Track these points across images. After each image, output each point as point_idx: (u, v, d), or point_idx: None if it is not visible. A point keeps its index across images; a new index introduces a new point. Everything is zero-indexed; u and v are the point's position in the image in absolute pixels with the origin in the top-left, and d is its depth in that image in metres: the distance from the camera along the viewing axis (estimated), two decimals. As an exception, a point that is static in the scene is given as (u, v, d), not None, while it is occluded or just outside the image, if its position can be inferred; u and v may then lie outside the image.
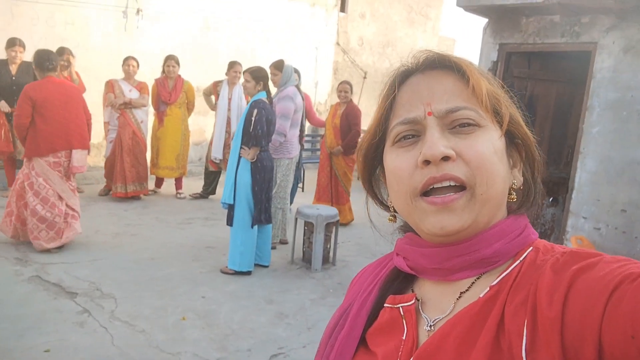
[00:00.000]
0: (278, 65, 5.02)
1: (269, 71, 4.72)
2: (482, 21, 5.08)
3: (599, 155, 4.33)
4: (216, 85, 6.62)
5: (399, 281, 0.73)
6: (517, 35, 4.79)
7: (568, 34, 4.46)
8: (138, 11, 7.54)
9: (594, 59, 4.33)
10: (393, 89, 0.69)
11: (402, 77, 0.70)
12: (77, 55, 6.33)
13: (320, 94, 10.48)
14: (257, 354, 3.13)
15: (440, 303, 0.67)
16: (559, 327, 0.52)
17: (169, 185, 7.01)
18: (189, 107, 6.75)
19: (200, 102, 7.19)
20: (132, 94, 6.22)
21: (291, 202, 5.72)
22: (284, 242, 5.20)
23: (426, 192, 0.64)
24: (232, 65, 6.43)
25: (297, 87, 5.15)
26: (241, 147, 4.21)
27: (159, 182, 6.90)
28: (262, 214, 4.33)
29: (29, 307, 3.43)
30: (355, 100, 8.71)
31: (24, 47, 5.66)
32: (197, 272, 4.30)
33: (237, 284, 4.14)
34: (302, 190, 7.50)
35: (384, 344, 0.67)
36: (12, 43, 5.59)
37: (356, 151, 0.79)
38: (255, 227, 4.31)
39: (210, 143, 6.71)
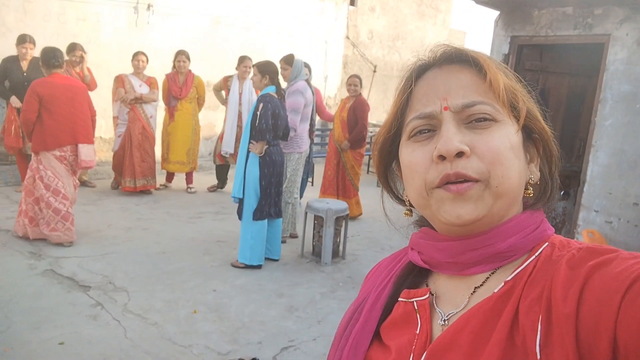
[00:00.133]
0: (288, 60, 5.01)
1: (279, 66, 4.72)
2: (493, 13, 5.04)
3: (612, 148, 4.29)
4: (226, 80, 6.64)
5: (414, 275, 0.73)
6: (528, 27, 4.75)
7: (581, 26, 4.41)
8: (149, 7, 7.56)
9: (607, 51, 4.28)
10: (410, 83, 0.69)
11: (419, 72, 0.70)
12: (89, 51, 6.37)
13: (330, 88, 10.46)
14: (268, 346, 3.15)
15: (454, 298, 0.67)
16: (573, 323, 0.52)
17: (179, 180, 7.05)
18: (200, 102, 6.77)
19: (210, 96, 7.21)
20: (142, 89, 6.25)
21: (301, 197, 5.73)
22: (294, 236, 5.22)
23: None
24: (242, 60, 6.45)
25: (308, 81, 5.15)
26: (250, 142, 4.22)
27: (170, 176, 6.94)
28: (271, 207, 4.34)
29: (44, 301, 3.48)
30: (364, 93, 8.69)
31: (34, 43, 5.70)
32: (208, 266, 4.33)
33: (248, 277, 4.16)
34: (312, 185, 7.51)
35: (398, 338, 0.68)
36: (23, 40, 5.64)
37: (372, 145, 0.79)
38: (265, 221, 4.33)
39: (220, 137, 6.74)
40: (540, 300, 0.57)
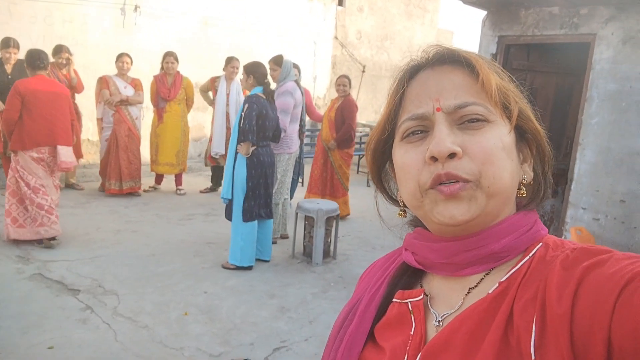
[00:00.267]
0: (277, 61, 5.01)
1: (268, 67, 4.71)
2: (481, 13, 5.07)
3: (598, 146, 4.33)
4: (214, 80, 6.62)
5: (408, 276, 0.73)
6: (516, 27, 4.79)
7: (567, 25, 4.46)
8: (136, 8, 7.51)
9: (593, 51, 4.33)
10: (402, 84, 0.69)
11: (412, 72, 0.70)
12: (76, 53, 6.31)
13: (319, 88, 10.46)
14: (260, 347, 3.15)
15: (449, 299, 0.67)
16: (568, 323, 0.52)
17: (168, 182, 7.01)
18: (188, 104, 6.74)
19: (199, 98, 7.18)
20: (127, 90, 6.22)
21: (291, 197, 5.72)
22: (284, 236, 5.21)
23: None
24: (230, 60, 6.43)
25: (297, 82, 5.15)
26: (238, 143, 4.21)
27: (159, 178, 6.90)
28: (261, 208, 4.33)
29: (32, 305, 3.44)
30: (354, 93, 8.69)
31: (18, 48, 5.63)
32: (198, 268, 4.31)
33: (239, 278, 4.15)
34: (302, 185, 7.50)
35: (392, 339, 0.68)
36: (7, 44, 5.57)
37: (366, 145, 0.78)
38: (255, 222, 4.32)
39: (210, 139, 6.72)
40: (534, 301, 0.57)
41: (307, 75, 9.73)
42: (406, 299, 0.69)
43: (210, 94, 6.71)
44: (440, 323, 0.65)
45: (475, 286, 0.65)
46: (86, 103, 6.58)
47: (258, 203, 4.30)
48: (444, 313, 0.66)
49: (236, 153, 4.23)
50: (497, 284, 0.62)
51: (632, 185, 4.16)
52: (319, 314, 3.66)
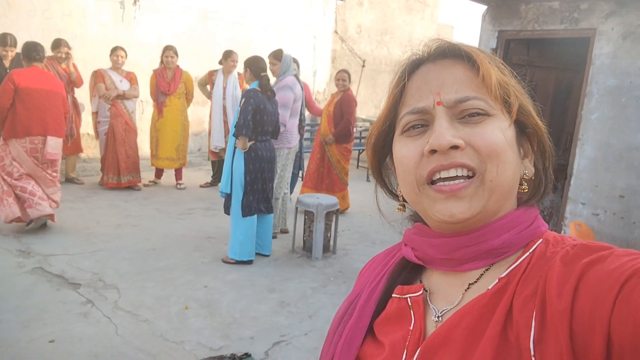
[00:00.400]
0: (277, 55, 5.00)
1: (267, 61, 4.70)
2: (481, 8, 5.06)
3: (598, 141, 4.34)
4: (212, 74, 6.61)
5: (407, 271, 0.73)
6: (516, 22, 4.78)
7: (567, 20, 4.45)
8: (135, 1, 7.48)
9: (592, 46, 4.32)
10: (403, 78, 0.69)
11: (413, 66, 0.70)
12: (74, 47, 6.29)
13: (319, 82, 10.45)
14: (260, 341, 3.16)
15: (448, 294, 0.67)
16: (567, 319, 0.52)
17: (169, 176, 7.01)
18: (188, 98, 6.73)
19: (199, 92, 7.18)
20: (122, 84, 6.22)
21: (291, 192, 5.73)
22: (284, 231, 5.22)
23: (433, 181, 0.64)
24: (229, 54, 6.41)
25: (296, 76, 5.14)
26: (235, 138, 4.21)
27: (159, 173, 6.90)
28: (260, 203, 4.34)
29: (33, 299, 3.45)
30: (353, 88, 8.68)
31: (15, 45, 5.58)
32: (198, 262, 4.32)
33: (239, 273, 4.16)
34: (302, 180, 7.51)
35: (392, 334, 0.68)
36: (4, 42, 5.50)
37: (365, 140, 0.78)
38: (255, 216, 4.33)
39: (209, 133, 6.72)
40: (534, 297, 0.57)
41: (307, 69, 9.71)
42: (406, 294, 0.69)
43: (208, 87, 6.70)
44: (440, 318, 0.65)
45: (475, 282, 0.65)
46: (85, 97, 6.57)
47: (257, 198, 4.30)
48: (443, 308, 0.66)
49: (235, 148, 4.23)
50: (497, 280, 0.62)
51: (631, 181, 4.16)
52: (319, 308, 3.68)
